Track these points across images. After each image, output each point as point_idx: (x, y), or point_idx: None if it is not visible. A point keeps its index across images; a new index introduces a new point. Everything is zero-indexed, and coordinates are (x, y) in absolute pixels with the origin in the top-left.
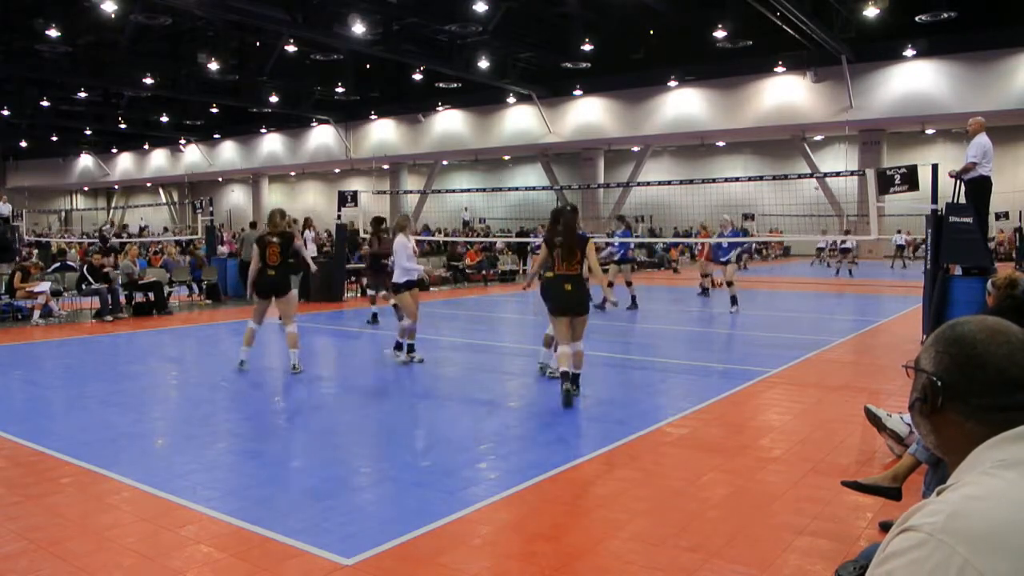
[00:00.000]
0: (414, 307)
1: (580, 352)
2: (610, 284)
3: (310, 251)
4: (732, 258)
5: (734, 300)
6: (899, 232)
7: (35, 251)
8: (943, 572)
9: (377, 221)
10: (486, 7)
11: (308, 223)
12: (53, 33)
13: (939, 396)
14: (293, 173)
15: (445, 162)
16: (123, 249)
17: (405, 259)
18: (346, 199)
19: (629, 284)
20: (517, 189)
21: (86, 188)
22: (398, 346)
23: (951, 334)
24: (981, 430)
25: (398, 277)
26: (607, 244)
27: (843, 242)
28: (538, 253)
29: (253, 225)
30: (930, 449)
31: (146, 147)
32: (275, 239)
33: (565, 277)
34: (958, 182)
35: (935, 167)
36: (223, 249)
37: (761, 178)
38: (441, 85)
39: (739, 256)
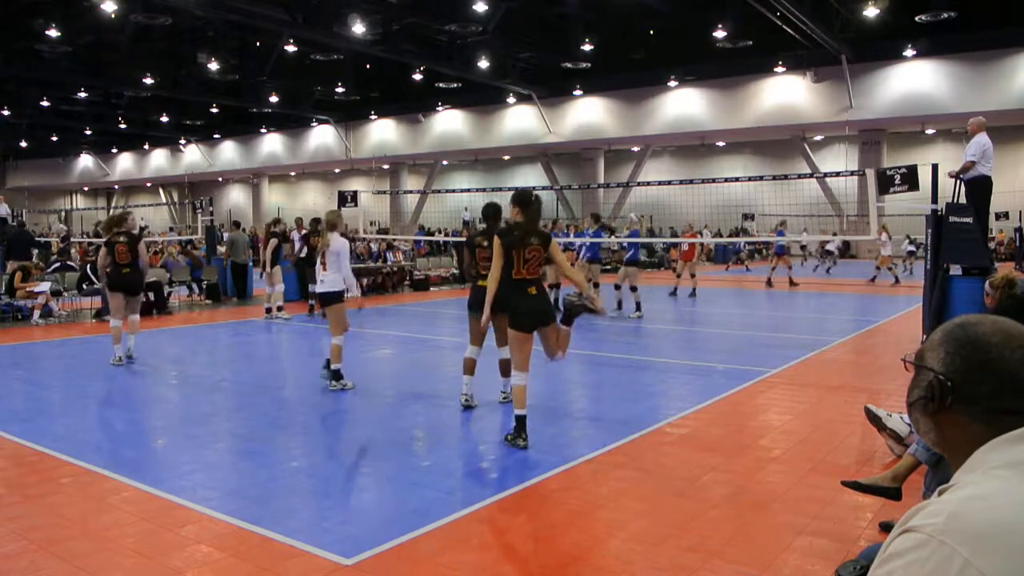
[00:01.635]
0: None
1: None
2: (596, 285)
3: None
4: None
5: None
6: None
7: (35, 251)
8: (943, 573)
9: (317, 221)
10: (486, 7)
11: (299, 223)
12: (53, 33)
13: (948, 397)
14: (293, 173)
15: (445, 162)
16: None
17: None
18: (346, 199)
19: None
20: (517, 189)
21: (86, 188)
22: (336, 374)
23: (963, 335)
24: (986, 432)
25: (339, 285)
26: (579, 244)
27: (826, 243)
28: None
29: (237, 225)
30: (929, 447)
31: (146, 147)
32: (122, 239)
33: (529, 281)
34: (958, 182)
35: (935, 167)
36: (223, 249)
37: (761, 178)
38: (441, 85)
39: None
